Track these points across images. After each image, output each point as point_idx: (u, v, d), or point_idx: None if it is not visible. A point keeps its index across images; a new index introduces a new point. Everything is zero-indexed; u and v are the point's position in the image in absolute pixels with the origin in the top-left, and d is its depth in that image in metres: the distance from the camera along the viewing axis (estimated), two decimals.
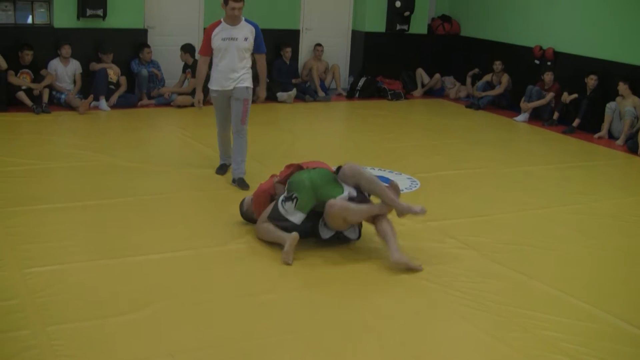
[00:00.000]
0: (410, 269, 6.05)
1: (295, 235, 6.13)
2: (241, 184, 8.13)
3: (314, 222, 6.40)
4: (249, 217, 6.87)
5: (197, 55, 10.05)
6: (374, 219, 6.33)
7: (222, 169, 8.62)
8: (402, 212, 6.28)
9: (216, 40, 7.97)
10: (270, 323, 5.14)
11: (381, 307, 5.52)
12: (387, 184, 6.43)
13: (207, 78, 8.26)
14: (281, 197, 6.41)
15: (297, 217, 6.30)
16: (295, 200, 6.26)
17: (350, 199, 6.27)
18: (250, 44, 8.10)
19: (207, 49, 8.08)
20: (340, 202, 6.20)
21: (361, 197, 6.34)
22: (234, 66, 8.05)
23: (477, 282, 5.98)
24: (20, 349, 4.53)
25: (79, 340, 4.68)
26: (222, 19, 8.05)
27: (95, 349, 4.61)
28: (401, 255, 6.06)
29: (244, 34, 8.04)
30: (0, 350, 4.52)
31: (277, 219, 6.37)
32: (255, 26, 8.14)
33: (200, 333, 4.92)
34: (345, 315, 5.36)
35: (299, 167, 6.55)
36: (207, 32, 8.04)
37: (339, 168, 6.47)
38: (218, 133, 8.55)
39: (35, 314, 4.98)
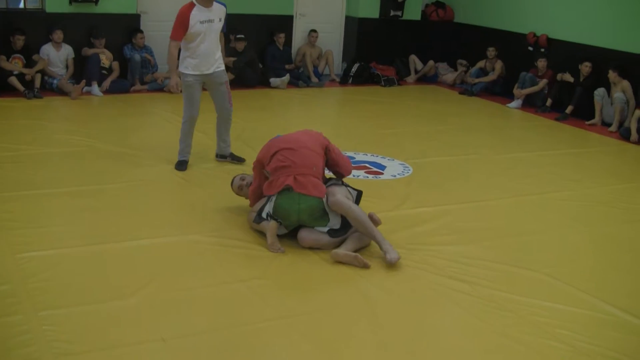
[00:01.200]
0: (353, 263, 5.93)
1: (273, 224, 6.11)
2: (235, 157, 8.37)
3: None
4: (240, 195, 6.87)
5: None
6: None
7: (183, 165, 8.24)
8: (382, 251, 6.06)
9: (194, 24, 7.68)
10: (263, 308, 5.14)
11: (373, 292, 5.52)
12: (369, 215, 6.30)
13: None
14: (267, 211, 6.24)
15: (280, 231, 6.22)
16: (280, 223, 6.18)
17: (330, 230, 6.16)
18: (221, 25, 7.98)
19: (182, 33, 7.75)
20: (308, 238, 6.13)
21: (342, 231, 6.19)
22: (213, 49, 7.93)
23: (469, 268, 5.99)
24: (12, 334, 4.53)
25: (70, 326, 4.68)
26: (194, 1, 7.76)
27: (87, 333, 4.61)
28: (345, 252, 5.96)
29: (218, 15, 7.88)
30: None
31: (261, 228, 6.35)
32: (225, 6, 8.02)
33: (192, 318, 4.92)
34: (337, 300, 5.37)
35: (288, 186, 6.13)
36: (184, 16, 7.66)
37: (328, 180, 6.41)
38: (185, 122, 8.17)
39: (27, 299, 4.98)
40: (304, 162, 6.23)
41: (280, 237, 6.21)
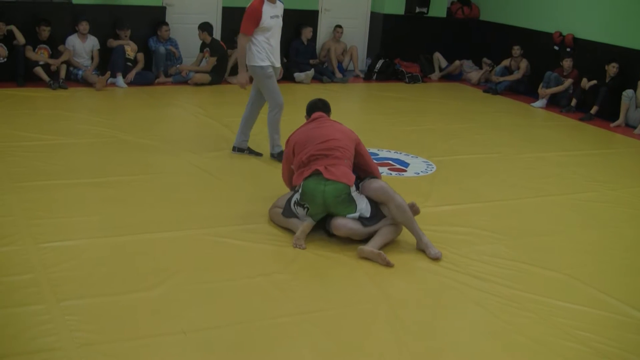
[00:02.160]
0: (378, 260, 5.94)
1: (308, 223, 6.14)
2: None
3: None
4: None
5: (221, 36, 9.93)
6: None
7: (242, 150, 8.59)
8: (420, 248, 6.18)
9: (266, 19, 7.95)
10: (283, 303, 5.15)
11: (394, 290, 5.52)
12: (410, 204, 6.36)
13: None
14: (294, 199, 6.32)
15: (309, 221, 6.25)
16: (306, 210, 6.21)
17: (361, 218, 6.19)
18: (281, 22, 8.26)
19: (253, 28, 7.97)
20: (345, 227, 6.14)
21: (373, 220, 6.20)
22: (279, 43, 8.28)
23: (490, 267, 5.98)
24: (34, 324, 4.56)
25: (92, 316, 4.71)
26: None
27: (108, 324, 4.63)
28: (371, 249, 5.96)
29: (281, 11, 8.19)
30: (14, 324, 4.55)
31: (290, 217, 6.38)
32: (283, 3, 8.28)
33: (213, 311, 4.93)
34: (358, 297, 5.37)
35: (318, 172, 6.26)
36: (257, 11, 7.90)
37: (362, 179, 6.39)
38: (277, 113, 8.33)
39: (49, 289, 5.01)
40: (335, 154, 6.31)
41: (313, 232, 6.25)
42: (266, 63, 8.10)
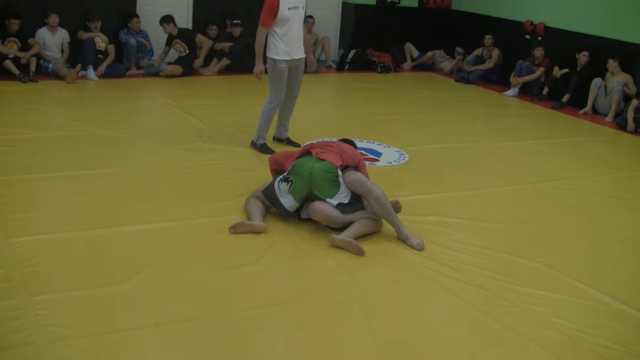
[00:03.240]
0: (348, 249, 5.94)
1: (262, 227, 6.11)
2: (292, 142, 8.81)
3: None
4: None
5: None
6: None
7: (268, 148, 8.49)
8: (400, 239, 6.18)
9: (283, 10, 7.97)
10: (256, 295, 5.14)
11: (367, 280, 5.52)
12: (393, 201, 6.38)
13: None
14: (280, 177, 6.37)
15: (288, 201, 6.25)
16: (290, 183, 6.22)
17: (340, 205, 6.18)
18: (303, 12, 8.27)
19: (272, 19, 8.01)
20: (324, 212, 6.14)
21: (352, 207, 6.20)
22: (300, 35, 8.26)
23: (464, 256, 5.99)
24: (5, 319, 4.51)
25: (64, 311, 4.67)
26: None
27: (81, 318, 4.59)
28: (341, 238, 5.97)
29: (302, 2, 8.18)
30: None
31: (270, 197, 6.35)
32: None
33: (186, 304, 4.90)
34: (331, 287, 5.35)
35: (308, 152, 6.40)
36: (274, 2, 7.94)
37: (345, 167, 6.36)
38: (274, 107, 8.42)
39: (21, 284, 4.95)
40: (330, 149, 6.40)
41: (283, 222, 6.27)
42: (280, 57, 8.15)
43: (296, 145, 8.66)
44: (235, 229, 6.05)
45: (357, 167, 6.48)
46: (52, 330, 4.42)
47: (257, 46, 8.20)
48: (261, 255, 5.73)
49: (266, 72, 8.35)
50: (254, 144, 8.50)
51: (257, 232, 6.09)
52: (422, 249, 6.01)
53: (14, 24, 11.51)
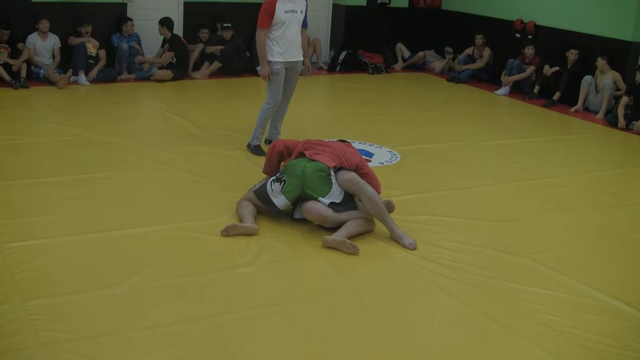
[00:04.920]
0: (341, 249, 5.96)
1: (254, 230, 6.12)
2: None
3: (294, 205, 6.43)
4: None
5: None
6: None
7: (261, 150, 8.51)
8: (393, 238, 6.20)
9: (280, 13, 8.11)
10: (250, 296, 5.16)
11: (361, 279, 5.54)
12: (386, 201, 6.39)
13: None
14: (273, 177, 6.40)
15: (280, 200, 6.28)
16: (283, 183, 6.25)
17: (332, 204, 6.19)
18: (303, 16, 8.36)
19: (269, 21, 8.15)
20: (317, 212, 6.16)
21: (344, 206, 6.22)
22: (297, 38, 8.36)
23: (457, 254, 6.01)
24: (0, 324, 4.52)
25: (58, 315, 4.67)
26: None
27: (74, 323, 4.60)
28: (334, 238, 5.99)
29: (300, 7, 8.31)
30: None
31: (262, 197, 6.37)
32: (307, 0, 8.42)
33: (180, 307, 4.92)
34: (325, 288, 5.38)
35: (302, 154, 6.41)
36: (271, 5, 8.10)
37: (339, 169, 6.35)
38: (270, 108, 8.49)
39: (14, 289, 4.96)
40: (325, 150, 6.41)
41: (275, 223, 6.29)
42: (275, 59, 8.26)
43: None
44: (227, 232, 6.06)
45: (358, 170, 6.47)
46: (46, 334, 4.43)
47: (258, 49, 8.33)
48: (254, 257, 5.74)
49: None
50: (249, 145, 8.55)
51: (249, 234, 6.10)
52: (414, 248, 6.03)
53: (4, 35, 11.51)
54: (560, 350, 4.69)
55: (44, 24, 11.90)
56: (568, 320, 5.03)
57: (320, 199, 6.19)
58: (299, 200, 6.33)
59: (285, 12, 8.14)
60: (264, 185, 6.41)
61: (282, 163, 6.63)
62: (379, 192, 6.41)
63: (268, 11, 8.13)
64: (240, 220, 6.30)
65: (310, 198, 6.22)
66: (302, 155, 6.42)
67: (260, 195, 6.37)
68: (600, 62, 11.94)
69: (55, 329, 4.50)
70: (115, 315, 4.75)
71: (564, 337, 4.83)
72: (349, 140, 7.04)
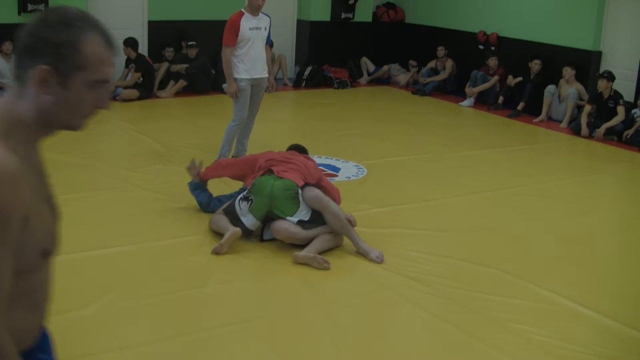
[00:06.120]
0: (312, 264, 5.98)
1: (237, 230, 6.13)
2: None
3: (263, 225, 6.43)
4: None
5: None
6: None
7: None
8: (360, 253, 6.22)
9: (244, 30, 8.22)
10: (220, 314, 5.15)
11: (331, 294, 5.57)
12: (347, 215, 6.40)
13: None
14: (240, 195, 6.41)
15: (248, 219, 6.28)
16: (250, 202, 6.26)
17: (300, 221, 6.21)
18: (267, 33, 8.47)
19: (234, 39, 8.25)
20: (286, 231, 6.18)
21: (314, 223, 6.23)
22: (261, 55, 8.46)
23: (424, 266, 6.05)
24: None
25: None
26: (243, 10, 8.34)
27: None
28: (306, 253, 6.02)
29: (264, 24, 8.43)
30: None
31: (231, 216, 6.37)
32: (270, 17, 8.52)
33: (149, 327, 4.91)
34: (295, 303, 5.39)
35: (270, 171, 6.43)
36: (235, 23, 8.24)
37: (304, 185, 6.38)
38: (237, 125, 8.61)
39: None
40: (292, 167, 6.46)
41: (245, 241, 6.27)
42: (241, 76, 8.38)
43: None
44: (221, 250, 6.06)
45: (319, 183, 6.52)
46: None
47: (224, 67, 8.42)
48: (225, 275, 5.75)
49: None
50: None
51: (236, 238, 6.10)
52: (382, 262, 6.06)
53: None
54: (528, 358, 4.73)
55: (7, 46, 11.86)
56: (536, 328, 5.08)
57: (288, 218, 6.21)
58: (267, 220, 6.34)
59: (250, 29, 8.24)
60: (232, 204, 6.42)
61: (251, 180, 6.61)
62: (338, 203, 6.48)
63: (233, 29, 8.23)
64: (220, 234, 6.30)
65: (278, 217, 6.24)
66: (269, 172, 6.43)
67: (229, 214, 6.38)
68: (569, 72, 12.09)
69: None
70: (85, 336, 4.73)
71: (532, 345, 4.88)
72: (310, 155, 7.07)
